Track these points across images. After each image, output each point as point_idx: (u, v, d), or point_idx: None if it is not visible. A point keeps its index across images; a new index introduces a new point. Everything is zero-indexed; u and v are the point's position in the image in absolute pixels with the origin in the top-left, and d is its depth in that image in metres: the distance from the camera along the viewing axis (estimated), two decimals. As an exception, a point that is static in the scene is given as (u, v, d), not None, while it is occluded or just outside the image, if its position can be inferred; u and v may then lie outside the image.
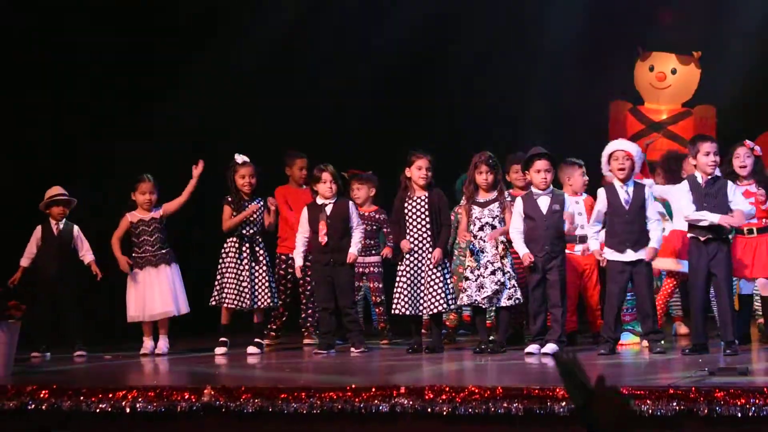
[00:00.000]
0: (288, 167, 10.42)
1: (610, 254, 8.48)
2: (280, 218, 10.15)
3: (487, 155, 8.99)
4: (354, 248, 9.24)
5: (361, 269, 10.04)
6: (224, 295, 9.40)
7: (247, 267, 9.41)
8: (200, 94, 11.60)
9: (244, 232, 9.46)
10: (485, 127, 12.41)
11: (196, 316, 9.93)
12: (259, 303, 9.47)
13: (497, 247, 8.79)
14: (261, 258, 9.48)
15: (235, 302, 9.38)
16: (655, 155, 10.71)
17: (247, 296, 9.40)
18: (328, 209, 9.29)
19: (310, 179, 9.78)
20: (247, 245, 9.44)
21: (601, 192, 8.58)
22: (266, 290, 9.47)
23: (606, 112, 12.96)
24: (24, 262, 9.91)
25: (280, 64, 12.31)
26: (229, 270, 9.42)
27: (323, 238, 9.22)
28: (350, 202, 9.49)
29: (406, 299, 8.97)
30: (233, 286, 9.38)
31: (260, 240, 9.54)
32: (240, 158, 9.52)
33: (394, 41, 12.29)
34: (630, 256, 8.40)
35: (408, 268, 9.01)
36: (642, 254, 8.39)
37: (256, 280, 9.45)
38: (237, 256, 9.43)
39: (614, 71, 12.89)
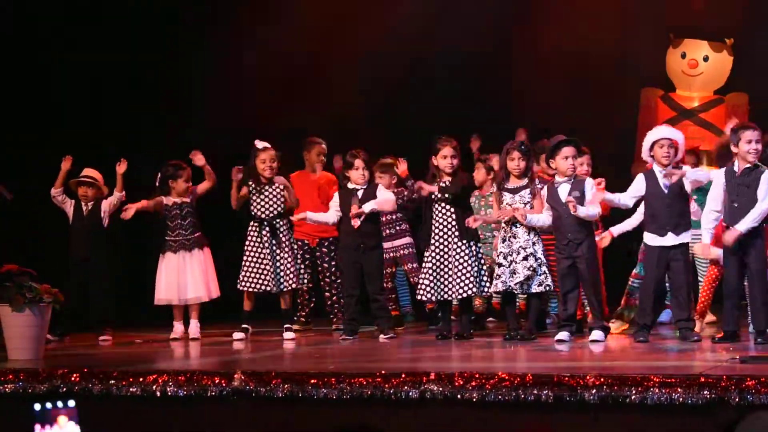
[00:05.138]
0: (306, 152, 10.46)
1: (650, 239, 8.48)
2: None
3: (519, 141, 9.04)
4: (371, 205, 9.22)
5: (392, 253, 10.08)
6: (246, 279, 9.47)
7: (268, 250, 9.46)
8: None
9: (261, 215, 9.52)
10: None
11: (228, 301, 9.94)
12: (285, 286, 9.51)
13: (529, 233, 8.78)
14: (283, 241, 9.53)
15: (257, 285, 9.44)
16: (688, 143, 10.59)
17: (271, 279, 9.44)
18: (360, 194, 9.33)
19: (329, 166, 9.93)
20: (267, 229, 9.49)
21: (640, 177, 8.54)
22: (290, 273, 9.50)
23: (636, 99, 12.87)
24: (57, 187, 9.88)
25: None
26: (250, 254, 9.49)
27: (356, 222, 9.25)
28: (379, 185, 9.52)
29: (430, 285, 9.00)
30: (254, 269, 9.45)
31: (282, 223, 9.57)
32: (260, 144, 9.60)
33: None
34: (670, 240, 8.39)
35: (434, 254, 9.03)
36: (683, 238, 8.39)
37: (279, 264, 9.48)
38: (258, 240, 9.49)
39: (644, 58, 12.79)
